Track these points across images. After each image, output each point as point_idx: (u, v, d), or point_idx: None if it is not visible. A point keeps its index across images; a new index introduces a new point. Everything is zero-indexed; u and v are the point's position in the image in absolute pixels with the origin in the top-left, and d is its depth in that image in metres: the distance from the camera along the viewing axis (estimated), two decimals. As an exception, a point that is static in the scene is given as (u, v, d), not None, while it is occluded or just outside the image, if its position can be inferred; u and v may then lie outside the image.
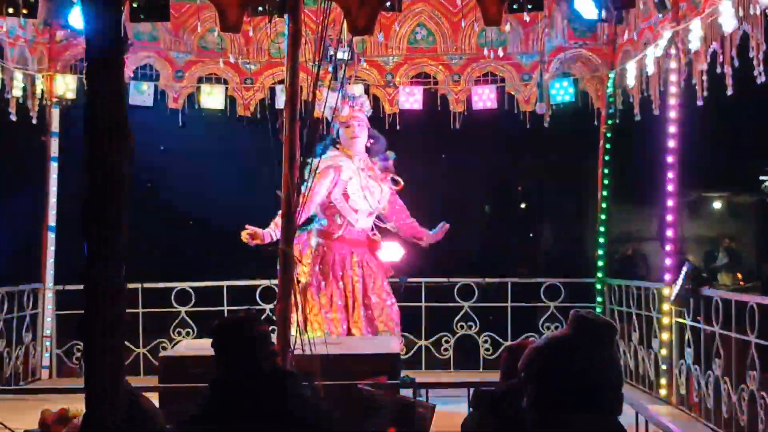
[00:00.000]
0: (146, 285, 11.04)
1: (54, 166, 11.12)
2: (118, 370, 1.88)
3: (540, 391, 2.49)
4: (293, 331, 6.09)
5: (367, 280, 9.28)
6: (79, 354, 11.15)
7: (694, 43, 8.26)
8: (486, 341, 11.35)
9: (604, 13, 7.98)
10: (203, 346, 6.80)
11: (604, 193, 11.26)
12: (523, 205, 23.67)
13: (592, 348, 2.43)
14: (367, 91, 10.89)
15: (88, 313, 1.88)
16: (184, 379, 6.32)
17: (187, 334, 11.04)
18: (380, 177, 9.53)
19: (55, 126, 11.05)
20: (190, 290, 11.28)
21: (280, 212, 6.70)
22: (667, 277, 9.10)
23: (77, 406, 5.94)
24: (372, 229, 9.52)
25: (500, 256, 19.78)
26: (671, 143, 9.04)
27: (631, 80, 9.94)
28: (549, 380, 2.47)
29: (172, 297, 11.25)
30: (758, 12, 7.23)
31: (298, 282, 6.38)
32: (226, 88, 11.12)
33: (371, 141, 9.61)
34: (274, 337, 5.39)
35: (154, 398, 5.16)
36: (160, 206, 18.03)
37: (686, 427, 7.85)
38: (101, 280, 1.89)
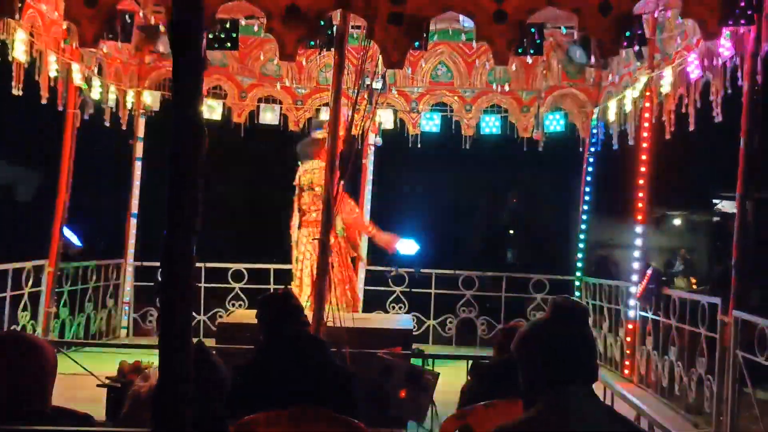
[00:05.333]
0: (208, 264, 11.07)
1: (138, 165, 11.18)
2: (187, 325, 1.89)
3: (527, 367, 2.47)
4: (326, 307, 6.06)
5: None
6: (152, 318, 11.21)
7: (665, 87, 8.26)
8: (483, 323, 11.33)
9: (593, 59, 7.93)
10: (252, 316, 6.83)
11: (585, 207, 11.25)
12: (517, 214, 23.56)
13: (569, 327, 2.41)
14: (395, 115, 10.97)
15: (165, 280, 1.90)
16: (237, 342, 6.32)
17: (239, 306, 11.07)
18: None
19: (140, 132, 11.11)
20: (244, 270, 11.31)
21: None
22: (635, 278, 9.07)
23: (149, 359, 5.96)
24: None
25: (496, 255, 19.72)
26: (642, 168, 9.01)
27: (611, 116, 9.90)
28: (534, 357, 2.45)
29: (229, 275, 11.28)
30: (719, 63, 7.24)
31: (332, 266, 6.34)
32: (281, 108, 11.16)
33: None
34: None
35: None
36: (222, 202, 18.11)
37: (644, 401, 7.82)
38: (178, 253, 1.90)
